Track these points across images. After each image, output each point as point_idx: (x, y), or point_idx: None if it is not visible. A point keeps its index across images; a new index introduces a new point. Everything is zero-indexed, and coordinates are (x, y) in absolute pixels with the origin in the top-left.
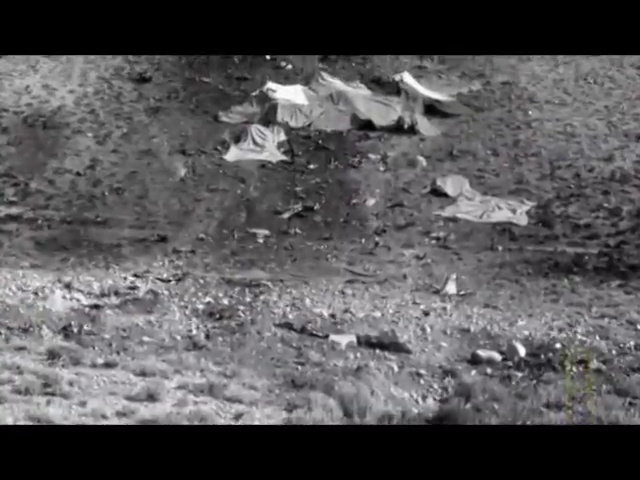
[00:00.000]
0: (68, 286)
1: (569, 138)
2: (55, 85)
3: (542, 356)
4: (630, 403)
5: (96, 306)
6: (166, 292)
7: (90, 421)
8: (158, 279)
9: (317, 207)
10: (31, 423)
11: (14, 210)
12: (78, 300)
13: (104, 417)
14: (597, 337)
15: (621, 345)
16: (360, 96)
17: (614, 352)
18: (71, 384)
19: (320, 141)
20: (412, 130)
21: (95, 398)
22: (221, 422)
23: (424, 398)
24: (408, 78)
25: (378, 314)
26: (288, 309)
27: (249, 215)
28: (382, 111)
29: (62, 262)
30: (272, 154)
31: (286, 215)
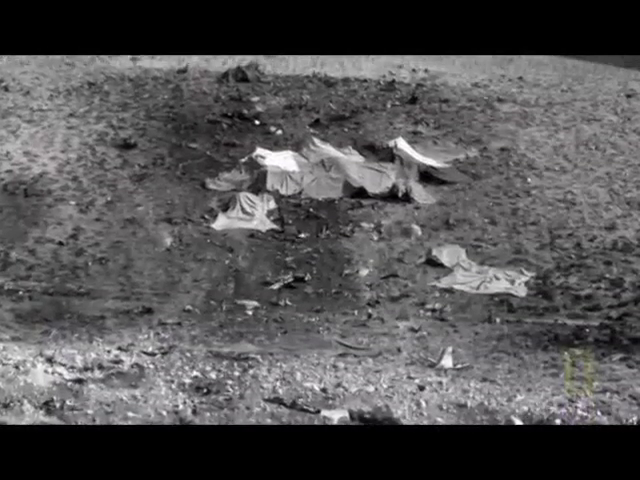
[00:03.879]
0: (50, 360)
1: (569, 206)
2: (36, 152)
3: None
4: None
5: (79, 380)
6: (152, 366)
7: None
8: (143, 352)
9: (308, 278)
10: None
11: None
12: (60, 374)
13: None
14: (599, 412)
15: (623, 421)
16: (352, 162)
17: None
18: None
19: (311, 209)
20: (407, 198)
21: None
22: None
23: None
24: (402, 144)
25: (371, 389)
26: (278, 383)
27: (238, 286)
28: (375, 178)
29: (44, 335)
30: (261, 223)
31: (276, 286)
